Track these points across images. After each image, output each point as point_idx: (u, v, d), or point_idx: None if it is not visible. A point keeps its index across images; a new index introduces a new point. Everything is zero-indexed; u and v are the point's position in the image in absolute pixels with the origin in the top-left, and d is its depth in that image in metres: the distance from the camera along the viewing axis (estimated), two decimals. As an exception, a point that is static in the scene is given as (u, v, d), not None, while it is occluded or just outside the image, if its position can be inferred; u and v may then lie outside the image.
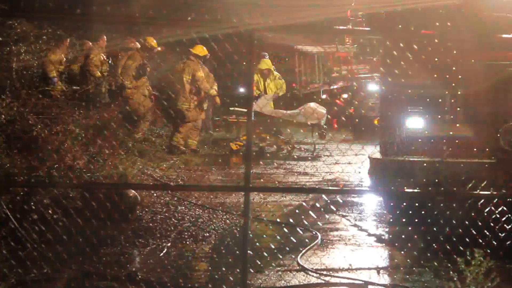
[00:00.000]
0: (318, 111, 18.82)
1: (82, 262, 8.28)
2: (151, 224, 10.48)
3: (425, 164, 9.57)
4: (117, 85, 17.66)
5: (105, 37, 18.52)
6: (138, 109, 17.41)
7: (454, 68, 9.49)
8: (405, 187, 8.55)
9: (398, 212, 10.06)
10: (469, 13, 9.78)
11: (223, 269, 8.30)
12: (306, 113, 18.46)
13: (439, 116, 9.85)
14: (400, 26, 9.77)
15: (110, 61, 18.46)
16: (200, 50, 17.74)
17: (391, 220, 10.93)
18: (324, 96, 25.10)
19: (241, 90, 21.43)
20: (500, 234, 7.61)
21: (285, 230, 10.03)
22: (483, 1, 9.94)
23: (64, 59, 17.71)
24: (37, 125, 10.30)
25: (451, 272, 7.19)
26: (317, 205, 11.63)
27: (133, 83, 17.48)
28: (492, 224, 7.67)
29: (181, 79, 17.62)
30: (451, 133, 9.69)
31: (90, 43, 18.49)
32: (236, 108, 18.74)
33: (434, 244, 8.24)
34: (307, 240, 9.65)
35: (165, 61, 18.69)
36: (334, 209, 11.41)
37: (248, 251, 6.56)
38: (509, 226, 7.65)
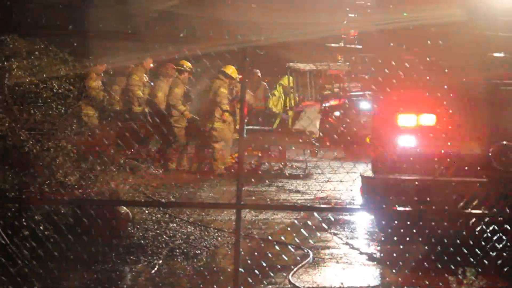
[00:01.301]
0: (309, 128, 18.86)
1: (73, 279, 8.25)
2: (142, 241, 10.45)
3: (416, 183, 9.58)
4: (160, 112, 17.79)
5: (151, 59, 18.46)
6: (180, 135, 17.60)
7: (446, 87, 9.52)
8: (396, 205, 8.56)
9: (389, 230, 10.05)
10: (461, 32, 9.82)
11: (215, 286, 8.28)
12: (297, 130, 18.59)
13: (431, 135, 9.87)
14: (391, 44, 9.81)
15: (151, 83, 18.52)
16: (232, 71, 17.91)
17: (383, 238, 10.91)
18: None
19: None
20: (491, 253, 7.62)
21: (277, 248, 10.02)
22: (476, 20, 9.98)
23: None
24: (29, 140, 10.27)
25: (442, 291, 7.19)
26: (309, 223, 11.61)
27: (182, 110, 17.68)
28: (483, 243, 7.68)
29: (206, 98, 17.87)
30: (442, 151, 9.70)
31: (133, 65, 18.53)
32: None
33: (425, 263, 8.25)
34: (298, 258, 9.64)
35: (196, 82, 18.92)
36: (326, 227, 11.40)
37: (240, 269, 6.55)
38: (500, 245, 7.66)
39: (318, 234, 11.21)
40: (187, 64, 17.92)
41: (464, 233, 7.88)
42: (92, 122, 17.02)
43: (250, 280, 8.08)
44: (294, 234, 10.46)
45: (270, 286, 8.49)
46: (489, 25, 9.92)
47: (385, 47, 9.85)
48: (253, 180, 16.34)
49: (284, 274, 8.93)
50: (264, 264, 8.69)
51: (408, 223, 9.02)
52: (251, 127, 18.90)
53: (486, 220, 7.22)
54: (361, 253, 10.40)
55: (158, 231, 11.08)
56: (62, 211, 9.72)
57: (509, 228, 7.64)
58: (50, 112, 11.67)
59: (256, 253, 9.66)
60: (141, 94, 18.04)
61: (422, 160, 9.86)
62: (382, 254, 10.33)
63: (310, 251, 10.03)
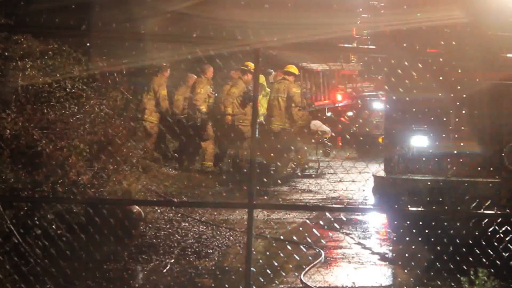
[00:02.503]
0: (322, 128, 18.90)
1: (85, 278, 8.27)
2: (154, 240, 10.47)
3: (429, 183, 9.57)
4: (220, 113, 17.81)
5: (211, 68, 18.30)
6: (242, 136, 17.47)
7: (458, 87, 9.50)
8: (409, 206, 8.54)
9: (401, 230, 10.04)
10: (474, 33, 9.79)
11: (226, 286, 8.29)
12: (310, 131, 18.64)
13: (444, 135, 9.86)
14: (405, 44, 9.79)
15: (216, 94, 18.40)
16: (294, 69, 17.97)
17: (395, 238, 10.90)
18: (329, 114, 25.11)
19: None
20: (504, 253, 7.59)
21: (289, 247, 10.02)
22: (489, 21, 9.95)
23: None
24: (42, 140, 10.30)
25: (454, 292, 7.17)
26: (321, 222, 11.61)
27: (241, 111, 17.53)
28: (496, 244, 7.65)
29: (277, 98, 17.83)
30: (455, 152, 9.68)
31: (195, 77, 18.44)
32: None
33: (437, 263, 8.23)
34: (310, 258, 9.64)
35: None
36: (338, 227, 11.39)
37: (251, 268, 6.55)
38: (513, 246, 7.62)
39: (330, 234, 11.21)
40: (251, 65, 17.75)
41: (477, 233, 7.85)
42: (153, 129, 17.30)
43: (262, 280, 8.07)
44: (306, 234, 10.45)
45: (282, 286, 8.50)
46: (502, 26, 9.89)
47: (398, 47, 9.83)
48: (265, 179, 16.34)
49: (296, 274, 8.94)
50: (276, 264, 8.68)
51: (420, 223, 9.00)
52: None
53: (498, 220, 7.18)
54: (373, 253, 10.39)
55: (170, 230, 11.10)
56: (75, 210, 9.75)
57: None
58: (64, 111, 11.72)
59: (268, 253, 9.66)
60: (204, 110, 17.82)
61: (435, 160, 9.84)
62: (394, 254, 10.31)
63: (322, 251, 10.03)
